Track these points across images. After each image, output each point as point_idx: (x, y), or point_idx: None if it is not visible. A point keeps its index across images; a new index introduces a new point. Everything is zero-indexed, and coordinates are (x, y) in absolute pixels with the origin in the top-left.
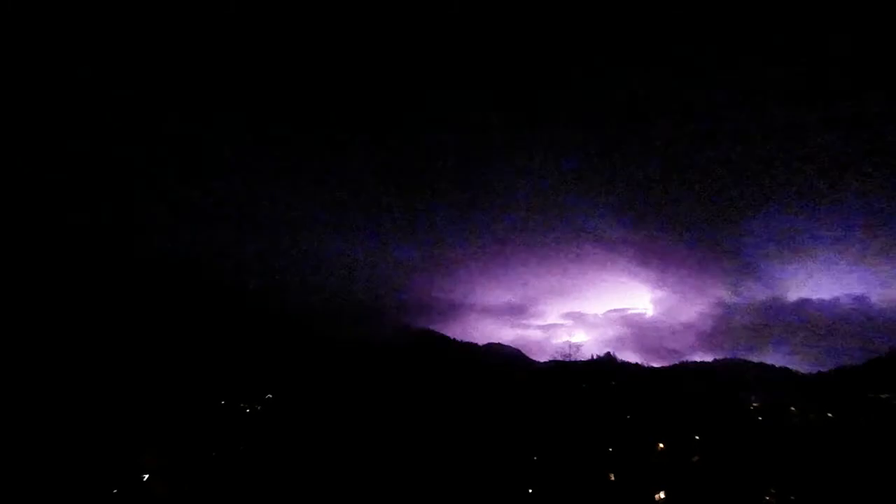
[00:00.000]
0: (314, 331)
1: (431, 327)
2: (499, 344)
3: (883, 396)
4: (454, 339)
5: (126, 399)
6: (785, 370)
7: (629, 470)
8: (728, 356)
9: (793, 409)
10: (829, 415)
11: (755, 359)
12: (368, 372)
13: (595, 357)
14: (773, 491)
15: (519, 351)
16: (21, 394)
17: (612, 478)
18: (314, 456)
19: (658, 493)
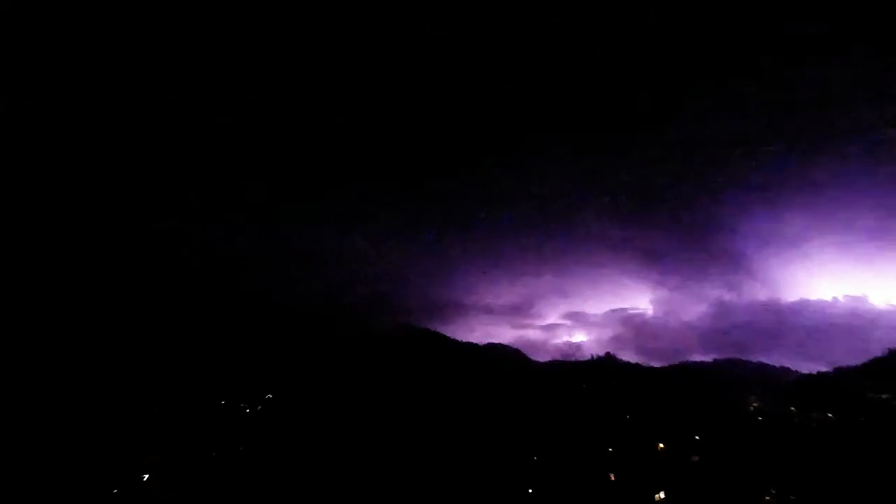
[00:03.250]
0: (314, 331)
1: (431, 327)
2: (499, 344)
3: (883, 396)
4: (454, 339)
5: (127, 399)
6: (785, 370)
7: (629, 470)
8: (728, 356)
9: (793, 409)
10: (829, 415)
11: (755, 359)
12: (368, 372)
13: (595, 357)
14: (773, 491)
15: (519, 351)
16: (23, 394)
17: (612, 478)
18: (314, 456)
19: (658, 493)
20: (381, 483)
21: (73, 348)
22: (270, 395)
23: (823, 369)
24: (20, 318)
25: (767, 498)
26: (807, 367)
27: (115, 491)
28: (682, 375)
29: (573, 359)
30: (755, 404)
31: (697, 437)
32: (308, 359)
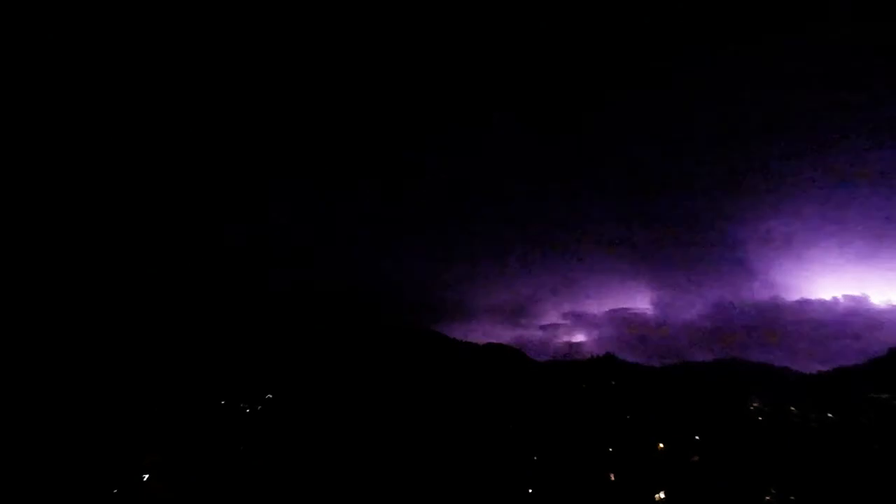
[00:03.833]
0: (314, 331)
1: (432, 327)
2: (499, 344)
3: (883, 396)
4: (454, 339)
5: (127, 399)
6: (785, 370)
7: (629, 470)
8: (728, 356)
9: (793, 409)
10: (829, 415)
11: (755, 359)
12: (369, 372)
13: (595, 357)
14: (773, 491)
15: (519, 351)
16: (22, 394)
17: (612, 478)
18: (314, 456)
19: (658, 493)
20: (382, 483)
21: (74, 348)
22: (270, 395)
23: (823, 369)
24: (20, 317)
25: (767, 498)
26: (807, 367)
27: (115, 491)
28: (682, 375)
29: (573, 359)
30: (755, 404)
31: (697, 437)
32: (308, 359)
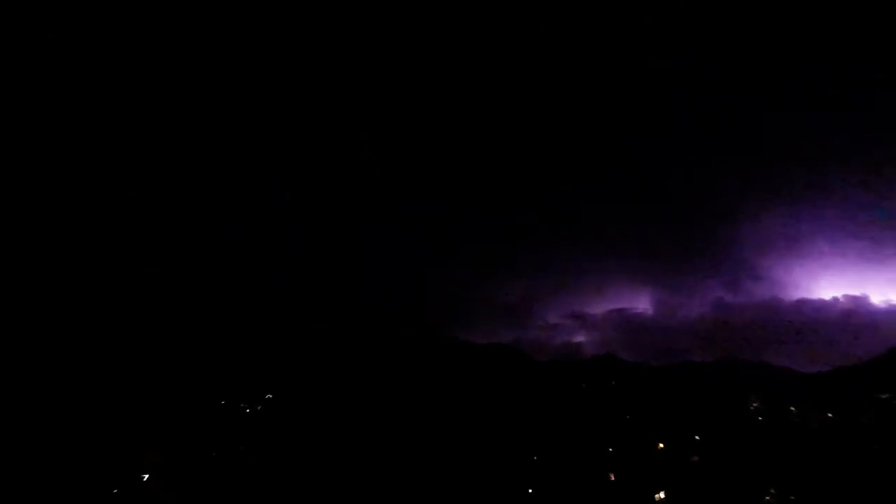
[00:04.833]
0: (315, 331)
1: (432, 327)
2: (499, 344)
3: (883, 396)
4: (455, 338)
5: (127, 399)
6: (785, 370)
7: (629, 470)
8: (728, 356)
9: (793, 409)
10: (829, 415)
11: (755, 359)
12: (369, 372)
13: (595, 357)
14: (773, 491)
15: (519, 351)
16: (22, 394)
17: (612, 478)
18: (314, 456)
19: (658, 493)
20: (382, 483)
21: (74, 348)
22: (270, 395)
23: (823, 369)
24: (20, 317)
25: (767, 498)
26: (807, 367)
27: (115, 491)
28: (683, 375)
29: (573, 359)
30: (755, 404)
31: (697, 437)
32: (308, 359)
